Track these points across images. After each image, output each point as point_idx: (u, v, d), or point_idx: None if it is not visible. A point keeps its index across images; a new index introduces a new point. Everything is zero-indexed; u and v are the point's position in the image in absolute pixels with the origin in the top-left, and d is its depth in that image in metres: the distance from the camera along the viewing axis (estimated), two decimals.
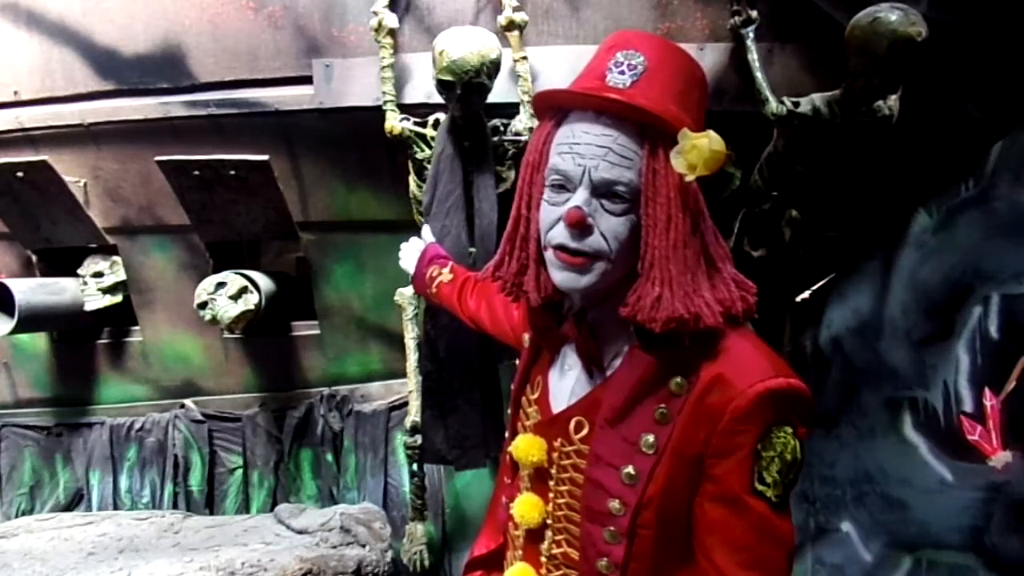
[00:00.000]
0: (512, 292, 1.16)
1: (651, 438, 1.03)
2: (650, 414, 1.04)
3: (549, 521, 1.18)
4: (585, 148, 1.02)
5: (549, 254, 1.06)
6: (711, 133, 0.99)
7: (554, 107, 1.09)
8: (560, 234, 1.03)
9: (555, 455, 1.16)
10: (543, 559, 1.19)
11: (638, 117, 1.01)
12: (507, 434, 1.32)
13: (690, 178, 0.99)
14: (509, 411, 1.32)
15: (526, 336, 1.30)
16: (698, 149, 0.97)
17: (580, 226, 1.01)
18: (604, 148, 1.01)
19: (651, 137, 1.01)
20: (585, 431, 1.12)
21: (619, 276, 1.05)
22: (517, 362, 1.38)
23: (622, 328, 1.09)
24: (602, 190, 1.02)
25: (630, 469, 1.04)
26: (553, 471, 1.16)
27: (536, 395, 1.22)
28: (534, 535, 1.21)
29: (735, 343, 1.03)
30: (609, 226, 1.02)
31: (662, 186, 1.00)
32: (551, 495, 1.17)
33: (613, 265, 1.03)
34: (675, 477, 1.03)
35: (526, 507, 1.19)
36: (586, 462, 1.10)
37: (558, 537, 1.17)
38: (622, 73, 1.03)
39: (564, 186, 1.04)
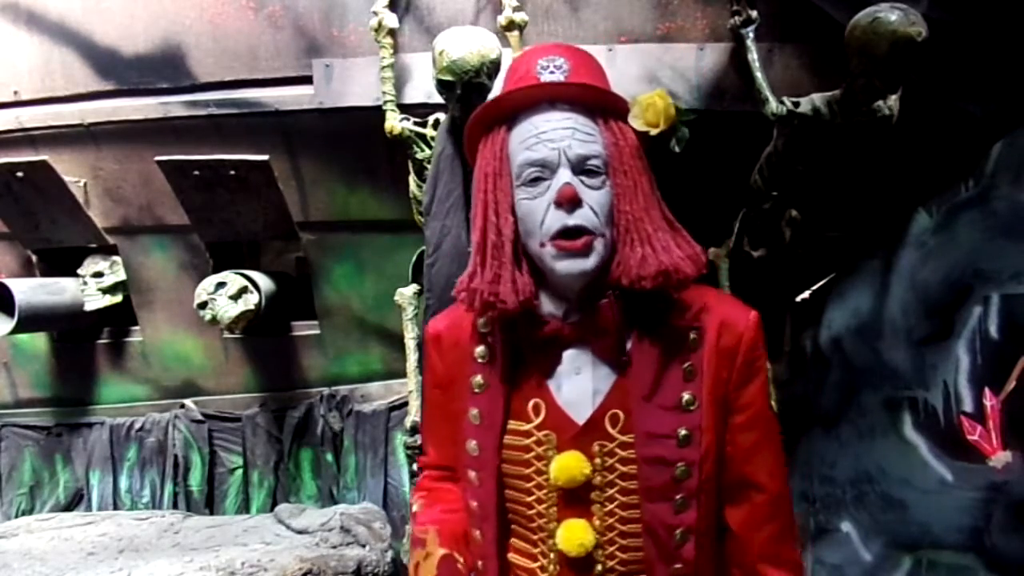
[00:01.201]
0: (487, 303, 1.11)
1: (688, 395, 1.10)
2: (679, 374, 1.11)
3: (598, 535, 1.12)
4: (553, 133, 1.08)
5: (548, 248, 1.08)
6: (659, 91, 1.13)
7: (504, 113, 1.14)
8: (554, 220, 1.07)
9: (597, 461, 1.11)
10: None
11: (592, 95, 1.11)
12: (478, 493, 1.17)
13: (654, 133, 1.11)
14: (473, 474, 1.17)
15: (478, 378, 1.19)
16: (654, 107, 1.12)
17: (574, 200, 1.06)
18: (570, 128, 1.09)
19: (601, 115, 1.12)
20: (622, 421, 1.11)
21: (609, 252, 1.10)
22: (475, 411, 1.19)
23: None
24: (579, 167, 1.08)
25: (683, 431, 1.09)
26: (597, 479, 1.12)
27: (539, 419, 1.15)
28: (578, 564, 1.13)
29: (710, 293, 1.17)
30: (593, 199, 1.09)
31: (624, 155, 1.11)
32: (596, 507, 1.12)
33: (604, 239, 1.09)
34: (718, 422, 1.12)
35: (577, 532, 1.11)
36: (633, 449, 1.10)
37: (611, 548, 1.12)
38: (552, 72, 1.11)
39: (540, 177, 1.09)
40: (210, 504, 3.51)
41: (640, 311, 1.11)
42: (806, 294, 2.85)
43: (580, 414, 1.13)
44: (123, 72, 2.91)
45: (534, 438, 1.15)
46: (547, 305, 1.15)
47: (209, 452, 3.48)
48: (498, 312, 1.11)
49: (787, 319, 2.77)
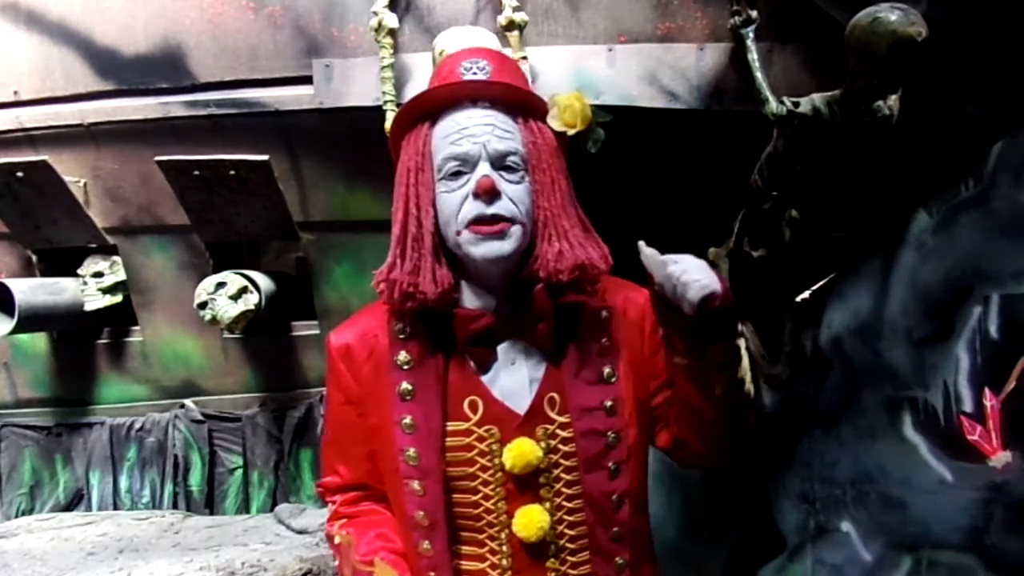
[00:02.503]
0: (405, 294, 1.14)
1: (607, 368, 1.19)
2: (597, 350, 1.20)
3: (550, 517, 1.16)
4: (475, 128, 1.13)
5: (465, 235, 1.12)
6: (576, 94, 1.19)
7: (428, 110, 1.18)
8: (472, 209, 1.12)
9: (542, 444, 1.16)
10: (555, 564, 1.16)
11: (512, 95, 1.17)
12: (423, 502, 1.14)
13: (571, 133, 1.17)
14: (416, 483, 1.15)
15: (404, 385, 1.18)
16: (572, 109, 1.17)
17: (491, 192, 1.10)
18: (490, 125, 1.14)
19: (521, 114, 1.17)
20: (558, 403, 1.17)
21: (527, 243, 1.16)
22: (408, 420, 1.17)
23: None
24: (499, 162, 1.13)
25: (608, 401, 1.17)
26: (544, 463, 1.15)
27: (478, 416, 1.16)
28: (534, 550, 1.16)
29: (608, 279, 1.25)
30: (513, 192, 1.14)
31: (543, 153, 1.17)
32: (544, 490, 1.16)
33: (523, 229, 1.14)
34: (637, 388, 1.22)
35: (534, 517, 1.14)
36: (571, 428, 1.15)
37: (560, 527, 1.15)
38: (475, 73, 1.16)
39: (461, 171, 1.13)
40: (210, 504, 3.51)
41: (557, 300, 1.18)
42: (806, 294, 2.85)
43: (520, 404, 1.17)
44: (123, 72, 2.90)
45: (475, 435, 1.17)
46: (474, 301, 1.19)
47: (209, 452, 3.48)
48: (418, 303, 1.14)
49: (787, 319, 2.77)
